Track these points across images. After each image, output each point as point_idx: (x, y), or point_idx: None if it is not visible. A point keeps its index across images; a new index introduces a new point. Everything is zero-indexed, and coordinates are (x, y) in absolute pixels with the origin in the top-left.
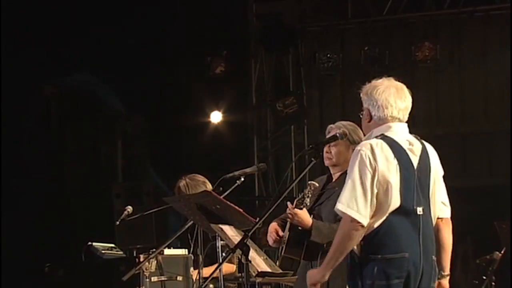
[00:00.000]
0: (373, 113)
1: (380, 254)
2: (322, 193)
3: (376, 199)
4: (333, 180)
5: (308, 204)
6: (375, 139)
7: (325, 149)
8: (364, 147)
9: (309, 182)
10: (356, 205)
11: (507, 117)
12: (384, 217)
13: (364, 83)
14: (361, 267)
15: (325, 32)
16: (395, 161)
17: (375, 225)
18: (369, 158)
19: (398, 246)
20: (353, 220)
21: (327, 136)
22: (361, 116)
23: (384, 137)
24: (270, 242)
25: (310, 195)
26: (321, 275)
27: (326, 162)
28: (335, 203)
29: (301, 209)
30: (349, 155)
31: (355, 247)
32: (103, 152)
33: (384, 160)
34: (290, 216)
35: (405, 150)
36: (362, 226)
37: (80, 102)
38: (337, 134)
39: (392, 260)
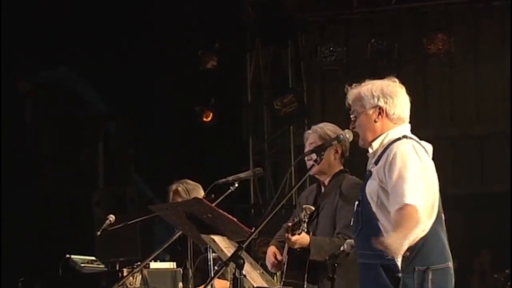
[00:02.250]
0: (391, 111)
1: (428, 265)
2: (317, 206)
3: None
4: (324, 188)
5: (305, 229)
6: (405, 139)
7: (307, 157)
8: (405, 147)
9: (304, 205)
10: (419, 198)
11: None
12: (430, 225)
13: (370, 80)
14: (404, 280)
15: (328, 23)
16: (431, 162)
17: (423, 233)
18: (417, 157)
19: (442, 255)
20: (417, 212)
21: (306, 143)
22: (353, 118)
23: (410, 139)
24: (269, 266)
25: (306, 220)
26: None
27: (311, 171)
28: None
29: (299, 234)
30: (332, 157)
31: (397, 258)
32: (83, 155)
33: (429, 162)
34: (289, 244)
35: (428, 152)
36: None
37: (58, 100)
38: (341, 136)
39: (441, 271)
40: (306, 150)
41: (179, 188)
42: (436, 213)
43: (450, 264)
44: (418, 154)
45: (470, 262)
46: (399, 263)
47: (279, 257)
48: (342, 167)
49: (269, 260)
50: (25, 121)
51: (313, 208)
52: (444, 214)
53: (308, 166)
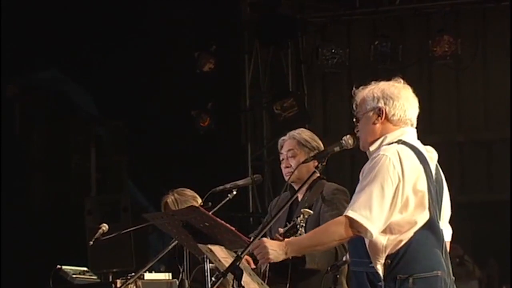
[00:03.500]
0: (391, 113)
1: (411, 274)
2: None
3: (404, 211)
4: (303, 196)
5: (302, 234)
6: (396, 144)
7: (283, 163)
8: (388, 153)
9: (302, 209)
10: (370, 213)
11: None
12: (414, 232)
13: (373, 83)
14: None
15: (329, 24)
16: (422, 169)
17: (404, 241)
18: (394, 166)
19: (429, 263)
20: (361, 227)
21: (281, 151)
22: (357, 122)
23: (404, 143)
24: None
25: (304, 224)
26: (283, 253)
27: (287, 177)
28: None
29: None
30: (311, 164)
31: (378, 267)
32: (74, 162)
33: (413, 168)
34: None
35: (426, 159)
36: (371, 235)
37: (48, 104)
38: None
39: (426, 279)
40: (282, 157)
41: (169, 200)
42: (426, 220)
43: (440, 272)
44: (399, 163)
45: None
46: (380, 272)
47: (252, 265)
48: (318, 174)
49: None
50: (13, 127)
51: (312, 212)
52: (451, 223)
53: (285, 173)
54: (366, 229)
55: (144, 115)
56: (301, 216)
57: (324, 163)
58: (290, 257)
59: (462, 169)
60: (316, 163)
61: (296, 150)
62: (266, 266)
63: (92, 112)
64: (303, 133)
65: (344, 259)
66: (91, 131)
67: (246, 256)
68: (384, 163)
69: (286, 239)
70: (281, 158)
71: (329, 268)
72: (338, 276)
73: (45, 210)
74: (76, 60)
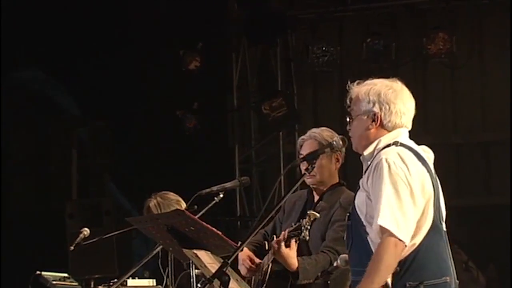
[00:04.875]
0: (386, 119)
1: (421, 281)
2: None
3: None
4: (319, 199)
5: (306, 238)
6: (394, 147)
7: (302, 165)
8: (390, 157)
9: (309, 211)
10: (397, 223)
11: None
12: (422, 237)
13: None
14: None
15: (320, 21)
16: (425, 170)
17: (413, 247)
18: (401, 169)
19: (439, 269)
20: (397, 240)
21: (301, 151)
22: (350, 120)
23: (402, 145)
24: (243, 271)
25: (309, 227)
26: None
27: (309, 181)
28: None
29: (296, 241)
30: (333, 166)
31: None
32: (55, 164)
33: (417, 169)
34: (274, 248)
35: (425, 159)
36: (405, 246)
37: (27, 103)
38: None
39: (435, 286)
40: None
41: (151, 204)
42: (431, 223)
43: (449, 278)
44: (404, 165)
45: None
46: (389, 280)
47: (256, 261)
48: (338, 179)
49: (245, 264)
50: None
51: (318, 215)
52: (447, 227)
53: (307, 178)
54: (400, 239)
55: (127, 115)
56: (307, 218)
57: (314, 165)
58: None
59: (458, 171)
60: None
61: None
62: (268, 266)
63: (74, 112)
64: (324, 133)
65: (335, 264)
66: (72, 133)
67: (248, 252)
68: (391, 168)
69: None
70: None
71: (319, 275)
72: (328, 282)
73: (25, 214)
74: (58, 60)
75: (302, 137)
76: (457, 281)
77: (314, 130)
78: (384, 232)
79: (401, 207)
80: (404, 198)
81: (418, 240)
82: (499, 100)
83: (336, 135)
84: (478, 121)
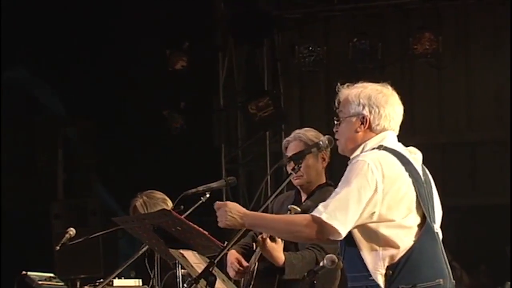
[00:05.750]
0: (375, 122)
1: (414, 283)
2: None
3: (389, 218)
4: (306, 199)
5: None
6: (377, 150)
7: (289, 166)
8: (367, 159)
9: (290, 206)
10: (344, 218)
11: None
12: (412, 239)
13: (352, 82)
14: None
15: (306, 21)
16: (405, 173)
17: (405, 250)
18: (373, 172)
19: (432, 271)
20: (335, 232)
21: (286, 153)
22: (338, 122)
23: (386, 148)
24: (231, 273)
25: None
26: (241, 222)
27: (296, 182)
28: None
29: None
30: (320, 165)
31: (379, 277)
32: (41, 164)
33: (395, 173)
34: (259, 242)
35: (410, 161)
36: (339, 237)
37: (13, 103)
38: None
39: None
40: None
41: (137, 203)
42: (424, 225)
43: (443, 280)
44: (380, 172)
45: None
46: (381, 283)
47: (244, 263)
48: (325, 178)
49: (233, 266)
50: None
51: (299, 209)
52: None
53: (294, 178)
54: (339, 233)
55: (113, 115)
56: (288, 212)
57: (301, 165)
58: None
59: (444, 171)
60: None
61: None
62: (255, 266)
63: (60, 112)
64: (308, 133)
65: (321, 264)
66: (58, 132)
67: (236, 254)
68: (363, 168)
69: (248, 211)
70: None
71: (305, 274)
72: (315, 282)
73: (10, 214)
74: (44, 59)
75: (287, 138)
76: (453, 281)
77: (298, 131)
78: (320, 221)
79: (356, 209)
80: (362, 201)
81: (409, 242)
82: (485, 100)
83: (321, 135)
84: (464, 120)
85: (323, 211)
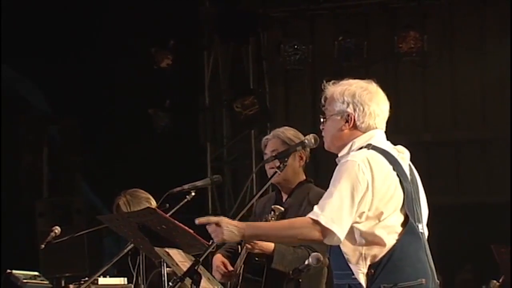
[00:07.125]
0: (360, 120)
1: (395, 283)
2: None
3: (377, 217)
4: (287, 198)
5: None
6: (365, 150)
7: (268, 164)
8: (357, 159)
9: (273, 206)
10: (341, 221)
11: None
12: (395, 238)
13: (337, 80)
14: None
15: (292, 19)
16: (393, 172)
17: (387, 249)
18: (363, 172)
19: (414, 271)
20: (331, 233)
21: (265, 150)
22: (323, 119)
23: (374, 148)
24: (218, 277)
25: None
26: (240, 235)
27: (274, 180)
28: None
29: None
30: (297, 164)
31: (361, 276)
32: (25, 162)
33: (384, 173)
34: (249, 246)
35: (398, 160)
36: (338, 241)
37: None
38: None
39: None
40: (266, 157)
41: (121, 202)
42: (407, 225)
43: (425, 280)
44: (369, 171)
45: (447, 279)
46: (362, 282)
47: (229, 267)
48: (305, 176)
49: (219, 270)
50: None
51: (283, 209)
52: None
53: (270, 174)
54: (335, 235)
55: (98, 113)
56: (272, 213)
57: (286, 163)
58: (256, 257)
59: (429, 170)
60: (304, 162)
61: (280, 150)
62: (241, 267)
63: (44, 110)
64: (287, 132)
65: (306, 262)
66: (42, 130)
67: (222, 258)
68: (353, 169)
69: (243, 222)
70: (265, 158)
71: (291, 272)
72: (300, 281)
73: None
74: (27, 56)
75: (266, 136)
76: (438, 281)
77: (277, 129)
78: (321, 227)
79: (350, 210)
80: (355, 201)
81: (391, 241)
82: (470, 99)
83: (300, 134)
84: (449, 119)
85: (320, 213)
